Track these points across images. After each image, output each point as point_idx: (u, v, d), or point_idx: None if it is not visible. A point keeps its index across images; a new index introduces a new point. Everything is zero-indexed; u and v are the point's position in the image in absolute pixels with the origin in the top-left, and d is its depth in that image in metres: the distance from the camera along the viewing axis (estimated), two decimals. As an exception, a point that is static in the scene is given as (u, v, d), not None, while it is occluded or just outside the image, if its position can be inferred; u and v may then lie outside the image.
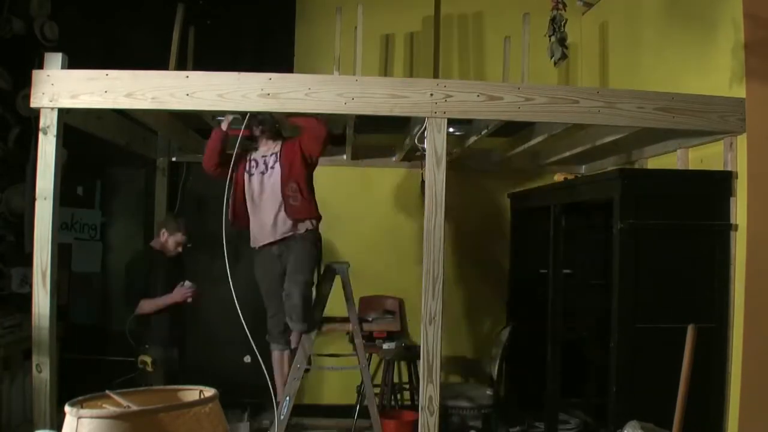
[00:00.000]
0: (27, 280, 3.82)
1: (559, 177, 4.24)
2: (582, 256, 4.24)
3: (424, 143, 3.22)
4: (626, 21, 4.53)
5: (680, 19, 3.77)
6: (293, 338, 3.63)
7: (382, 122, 3.76)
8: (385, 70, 5.17)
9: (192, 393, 1.67)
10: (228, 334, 5.05)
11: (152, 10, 4.75)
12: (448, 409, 4.05)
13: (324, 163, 4.04)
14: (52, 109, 2.98)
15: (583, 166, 5.10)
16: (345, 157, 4.96)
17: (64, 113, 3.03)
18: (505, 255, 5.14)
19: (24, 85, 3.69)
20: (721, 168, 3.25)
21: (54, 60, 3.01)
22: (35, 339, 2.92)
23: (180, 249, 4.13)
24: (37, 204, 2.95)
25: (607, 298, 3.26)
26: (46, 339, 2.90)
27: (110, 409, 1.54)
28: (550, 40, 3.10)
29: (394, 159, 4.98)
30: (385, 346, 4.50)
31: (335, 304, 3.79)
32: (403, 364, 4.86)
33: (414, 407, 4.27)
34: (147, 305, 3.93)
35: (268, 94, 3.01)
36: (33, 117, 3.66)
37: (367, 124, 4.22)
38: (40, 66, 3.02)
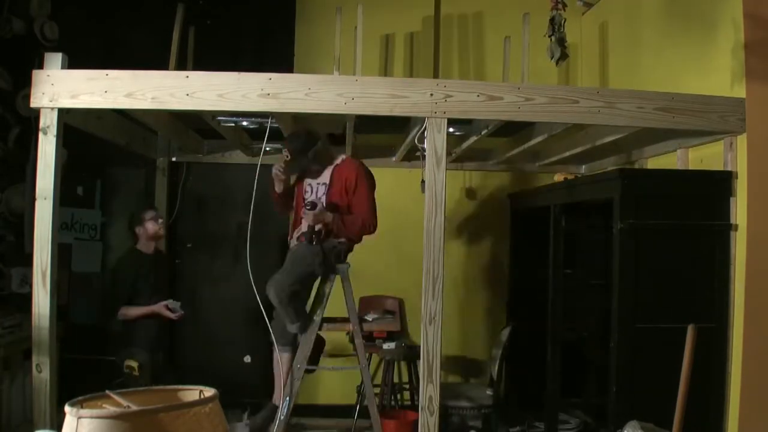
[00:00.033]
0: (27, 280, 3.82)
1: (559, 177, 4.25)
2: (582, 256, 4.24)
3: (424, 143, 3.22)
4: (626, 21, 4.53)
5: (680, 19, 3.77)
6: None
7: (382, 122, 3.76)
8: (385, 70, 5.17)
9: (192, 393, 1.67)
10: (228, 334, 5.07)
11: (152, 10, 4.75)
12: (448, 409, 4.05)
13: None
14: (52, 109, 2.98)
15: (583, 166, 5.10)
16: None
17: (64, 113, 3.03)
18: (505, 255, 5.14)
19: (24, 85, 3.69)
20: (721, 168, 3.25)
21: (54, 60, 3.01)
22: (35, 339, 2.92)
23: (160, 243, 4.08)
24: (37, 204, 2.95)
25: (607, 298, 3.26)
26: (46, 339, 2.90)
27: (110, 409, 1.54)
28: (550, 40, 3.10)
29: (394, 159, 4.98)
30: (385, 346, 4.50)
31: (335, 304, 3.79)
32: (403, 364, 4.86)
33: (414, 407, 4.27)
34: (129, 312, 3.92)
35: (268, 94, 3.01)
36: (33, 117, 3.66)
37: (367, 124, 4.22)
38: (40, 66, 3.02)
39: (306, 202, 3.49)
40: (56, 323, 2.98)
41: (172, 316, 3.94)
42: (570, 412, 4.44)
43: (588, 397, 4.39)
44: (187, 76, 3.04)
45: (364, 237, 3.64)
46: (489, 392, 4.19)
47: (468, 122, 4.11)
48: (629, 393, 3.06)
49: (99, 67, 3.03)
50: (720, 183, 3.18)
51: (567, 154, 4.41)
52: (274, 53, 5.07)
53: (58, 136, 2.98)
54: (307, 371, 3.58)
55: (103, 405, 1.57)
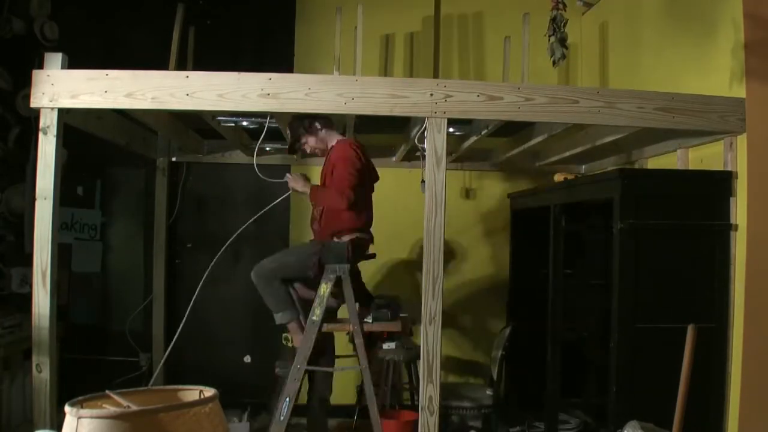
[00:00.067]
0: (27, 280, 3.83)
1: (559, 177, 4.24)
2: (582, 256, 4.24)
3: (424, 143, 3.22)
4: (626, 21, 4.53)
5: (680, 19, 3.77)
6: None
7: (382, 122, 3.76)
8: (385, 70, 5.17)
9: (192, 393, 1.67)
10: (228, 334, 5.08)
11: (152, 10, 4.76)
12: (448, 409, 4.05)
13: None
14: (52, 109, 2.97)
15: (583, 166, 5.10)
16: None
17: (64, 113, 3.03)
18: (505, 255, 5.14)
19: (24, 85, 3.70)
20: (721, 168, 3.25)
21: (54, 60, 3.01)
22: (35, 339, 2.92)
23: None
24: (37, 204, 2.95)
25: (607, 298, 3.25)
26: (46, 339, 2.90)
27: (110, 409, 1.54)
28: (550, 40, 3.10)
29: (394, 159, 4.98)
30: (385, 346, 4.49)
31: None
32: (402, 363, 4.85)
33: (414, 407, 4.27)
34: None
35: (268, 94, 3.01)
36: (33, 117, 3.66)
37: (367, 124, 4.22)
38: (40, 66, 3.02)
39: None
40: (56, 323, 2.98)
41: None
42: (570, 412, 4.44)
43: (588, 397, 4.39)
44: (187, 76, 3.04)
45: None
46: (489, 392, 4.19)
47: (468, 122, 4.11)
48: (629, 393, 3.06)
49: (99, 67, 3.03)
50: (720, 183, 3.18)
51: (567, 154, 4.41)
52: (274, 53, 5.07)
53: (58, 136, 2.98)
54: (308, 371, 3.58)
55: (103, 405, 1.57)
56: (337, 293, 3.53)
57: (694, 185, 3.26)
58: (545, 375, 3.97)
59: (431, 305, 3.03)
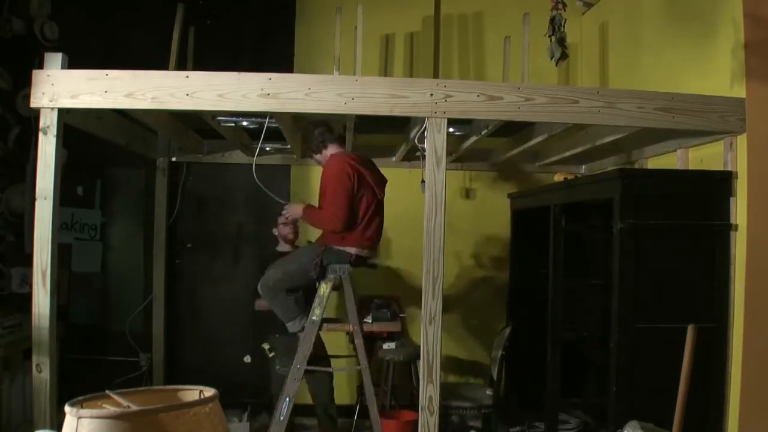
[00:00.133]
0: (27, 280, 3.83)
1: (559, 177, 4.25)
2: (582, 256, 4.24)
3: (424, 143, 3.22)
4: (626, 21, 4.53)
5: (680, 19, 3.77)
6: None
7: (382, 122, 3.76)
8: (385, 70, 5.17)
9: (192, 393, 1.66)
10: (228, 334, 5.08)
11: (152, 10, 4.76)
12: (448, 409, 4.05)
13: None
14: (52, 109, 2.98)
15: (583, 166, 5.10)
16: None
17: (64, 113, 3.03)
18: (505, 255, 5.14)
19: (24, 85, 3.70)
20: (721, 168, 3.25)
21: (54, 60, 3.01)
22: (35, 339, 2.92)
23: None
24: (37, 204, 2.95)
25: (607, 298, 3.25)
26: (46, 339, 2.90)
27: (110, 409, 1.54)
28: (550, 40, 3.10)
29: (394, 159, 4.98)
30: (385, 346, 4.49)
31: (335, 305, 3.80)
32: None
33: (414, 407, 4.27)
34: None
35: (268, 94, 3.01)
36: (33, 117, 3.66)
37: (367, 124, 4.22)
38: (40, 66, 3.02)
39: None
40: (56, 323, 2.98)
41: None
42: (570, 412, 4.44)
43: (588, 397, 4.39)
44: (187, 76, 3.04)
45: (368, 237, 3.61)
46: (489, 392, 4.18)
47: (468, 122, 4.11)
48: (629, 393, 3.05)
49: (99, 67, 3.03)
50: (720, 183, 3.18)
51: (567, 154, 4.41)
52: (274, 53, 5.07)
53: (58, 136, 2.98)
54: (308, 371, 3.59)
55: (103, 405, 1.57)
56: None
57: (694, 185, 3.26)
58: (545, 375, 3.97)
59: (431, 305, 3.03)
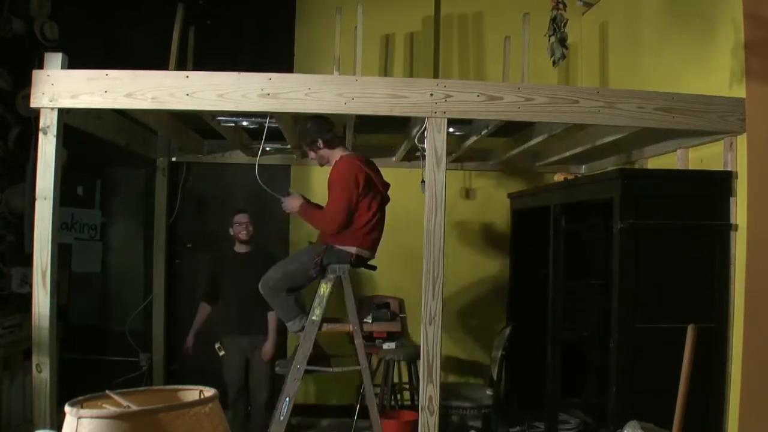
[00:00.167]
0: (27, 280, 3.83)
1: (559, 177, 4.24)
2: (582, 256, 4.24)
3: (424, 143, 3.22)
4: (626, 21, 4.53)
5: (680, 19, 3.77)
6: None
7: (382, 122, 3.75)
8: (385, 70, 5.17)
9: (192, 393, 1.66)
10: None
11: (152, 10, 4.76)
12: (448, 409, 4.05)
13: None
14: (52, 109, 2.97)
15: (583, 166, 5.10)
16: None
17: (64, 113, 3.03)
18: (505, 255, 5.14)
19: (24, 85, 3.70)
20: (721, 168, 3.25)
21: (54, 60, 3.01)
22: (35, 339, 2.92)
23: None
24: (37, 204, 2.95)
25: (607, 298, 3.26)
26: (46, 339, 2.90)
27: (110, 409, 1.54)
28: (550, 40, 3.10)
29: (394, 159, 4.98)
30: (385, 346, 4.50)
31: (335, 305, 3.79)
32: (403, 363, 4.86)
33: (414, 407, 4.27)
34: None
35: (268, 94, 3.01)
36: (33, 117, 3.66)
37: (367, 124, 4.22)
38: (40, 66, 3.02)
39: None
40: (56, 323, 2.98)
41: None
42: (570, 412, 4.44)
43: (588, 397, 4.40)
44: (187, 76, 3.04)
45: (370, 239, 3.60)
46: (489, 392, 4.19)
47: (468, 122, 4.11)
48: (629, 393, 3.06)
49: (99, 67, 3.03)
50: (720, 183, 3.18)
51: (567, 154, 4.41)
52: (274, 53, 5.07)
53: (58, 136, 2.98)
54: (308, 372, 3.58)
55: (103, 405, 1.57)
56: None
57: (694, 185, 3.26)
58: (545, 375, 3.97)
59: (431, 305, 3.03)
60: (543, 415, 4.22)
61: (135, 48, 4.69)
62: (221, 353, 4.27)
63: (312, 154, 3.65)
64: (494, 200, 5.22)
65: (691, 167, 3.59)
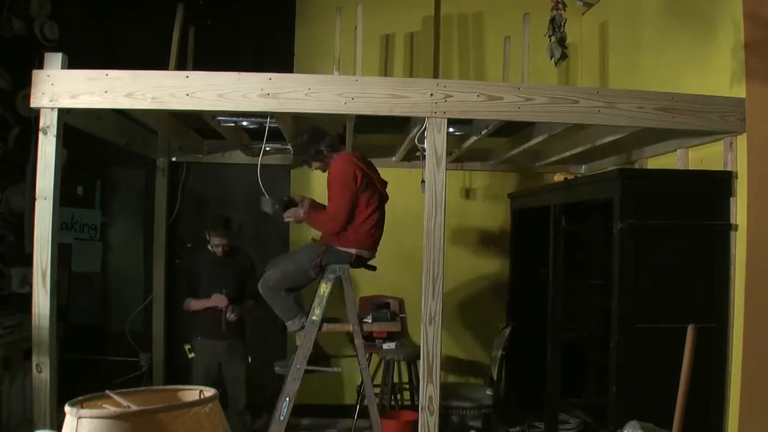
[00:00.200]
0: (27, 280, 3.83)
1: (559, 177, 4.25)
2: (582, 256, 4.24)
3: (424, 143, 3.22)
4: (626, 21, 4.53)
5: (680, 19, 3.77)
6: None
7: (382, 122, 3.75)
8: (385, 70, 5.17)
9: (192, 393, 1.66)
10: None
11: (152, 10, 4.76)
12: (448, 409, 4.05)
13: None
14: (52, 109, 2.98)
15: (583, 166, 5.10)
16: (345, 157, 4.96)
17: (64, 113, 3.03)
18: (505, 255, 5.14)
19: (24, 85, 3.70)
20: (721, 168, 3.25)
21: (54, 60, 3.01)
22: (35, 339, 2.92)
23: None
24: (37, 204, 2.95)
25: (607, 298, 3.26)
26: (46, 339, 2.90)
27: (110, 409, 1.54)
28: (550, 40, 3.10)
29: (394, 159, 4.98)
30: (385, 346, 4.50)
31: (335, 305, 3.79)
32: (403, 364, 4.86)
33: (414, 407, 4.27)
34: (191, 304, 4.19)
35: (268, 94, 3.01)
36: (33, 117, 3.66)
37: (367, 124, 4.22)
38: (40, 66, 3.02)
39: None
40: (56, 323, 2.98)
41: (220, 304, 4.08)
42: (570, 412, 4.44)
43: (588, 397, 4.40)
44: (187, 76, 3.04)
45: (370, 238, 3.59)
46: (489, 392, 4.19)
47: (468, 122, 4.11)
48: (629, 393, 3.06)
49: (99, 67, 3.03)
50: (720, 183, 3.18)
51: (567, 154, 4.40)
52: (274, 53, 5.07)
53: (58, 136, 2.98)
54: (308, 372, 3.58)
55: (103, 405, 1.57)
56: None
57: (694, 185, 3.26)
58: (545, 375, 3.97)
59: (431, 305, 3.03)
60: (543, 415, 4.22)
61: (135, 48, 4.69)
62: (191, 355, 4.16)
63: (316, 164, 3.61)
64: (494, 200, 5.22)
65: (691, 167, 3.59)
